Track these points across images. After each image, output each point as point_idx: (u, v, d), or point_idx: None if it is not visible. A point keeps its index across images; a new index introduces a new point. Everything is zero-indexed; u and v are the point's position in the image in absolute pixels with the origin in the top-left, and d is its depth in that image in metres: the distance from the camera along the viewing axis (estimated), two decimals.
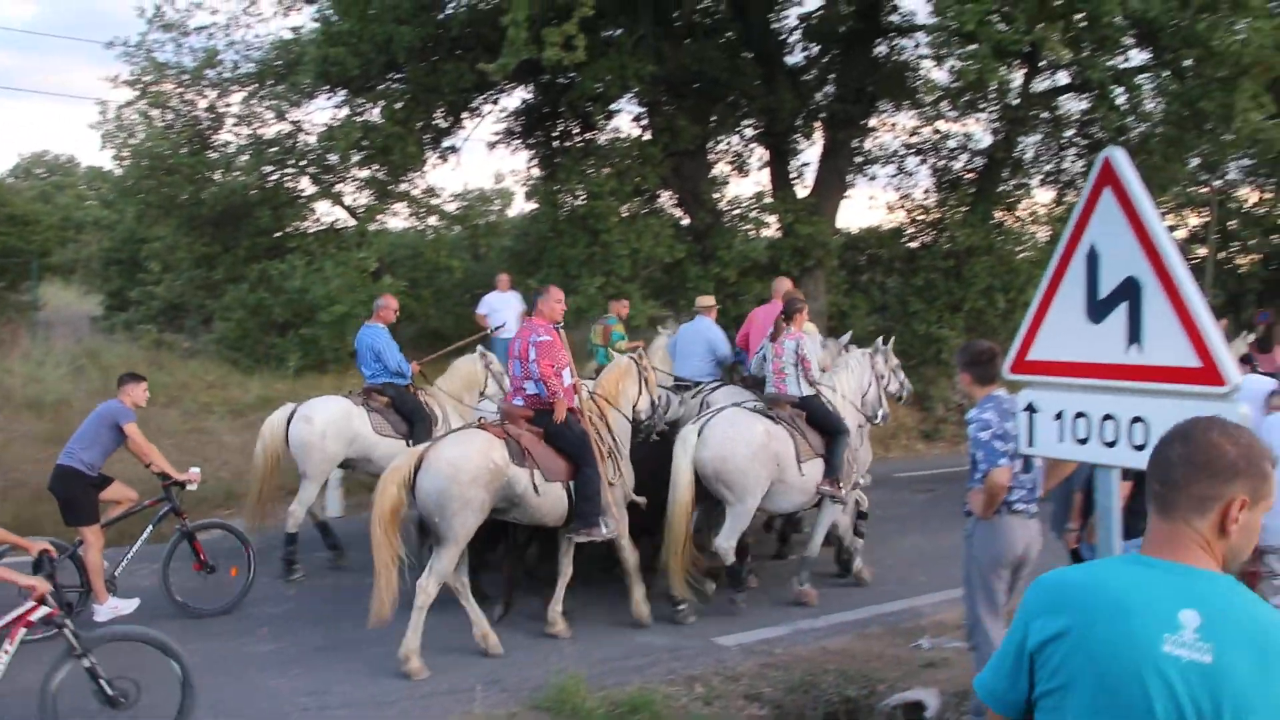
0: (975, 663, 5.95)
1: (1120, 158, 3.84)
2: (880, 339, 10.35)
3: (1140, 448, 3.78)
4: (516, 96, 20.93)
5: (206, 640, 7.95)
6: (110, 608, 8.34)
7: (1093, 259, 3.91)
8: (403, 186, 20.15)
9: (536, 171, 20.97)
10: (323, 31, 17.58)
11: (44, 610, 5.68)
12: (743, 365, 11.01)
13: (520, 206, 30.19)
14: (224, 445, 14.22)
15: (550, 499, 7.86)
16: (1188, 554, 2.18)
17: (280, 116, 19.02)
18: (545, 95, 20.34)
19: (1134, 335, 3.76)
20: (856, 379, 9.67)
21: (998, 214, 21.78)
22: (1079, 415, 4.00)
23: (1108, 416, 3.88)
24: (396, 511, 7.37)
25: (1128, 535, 4.17)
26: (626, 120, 22.54)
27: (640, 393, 8.84)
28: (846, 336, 10.85)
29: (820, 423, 9.12)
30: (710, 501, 8.90)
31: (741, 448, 8.57)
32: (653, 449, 8.95)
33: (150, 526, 8.84)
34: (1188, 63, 16.86)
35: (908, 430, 18.38)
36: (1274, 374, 14.81)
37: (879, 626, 8.70)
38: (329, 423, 9.91)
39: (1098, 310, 3.89)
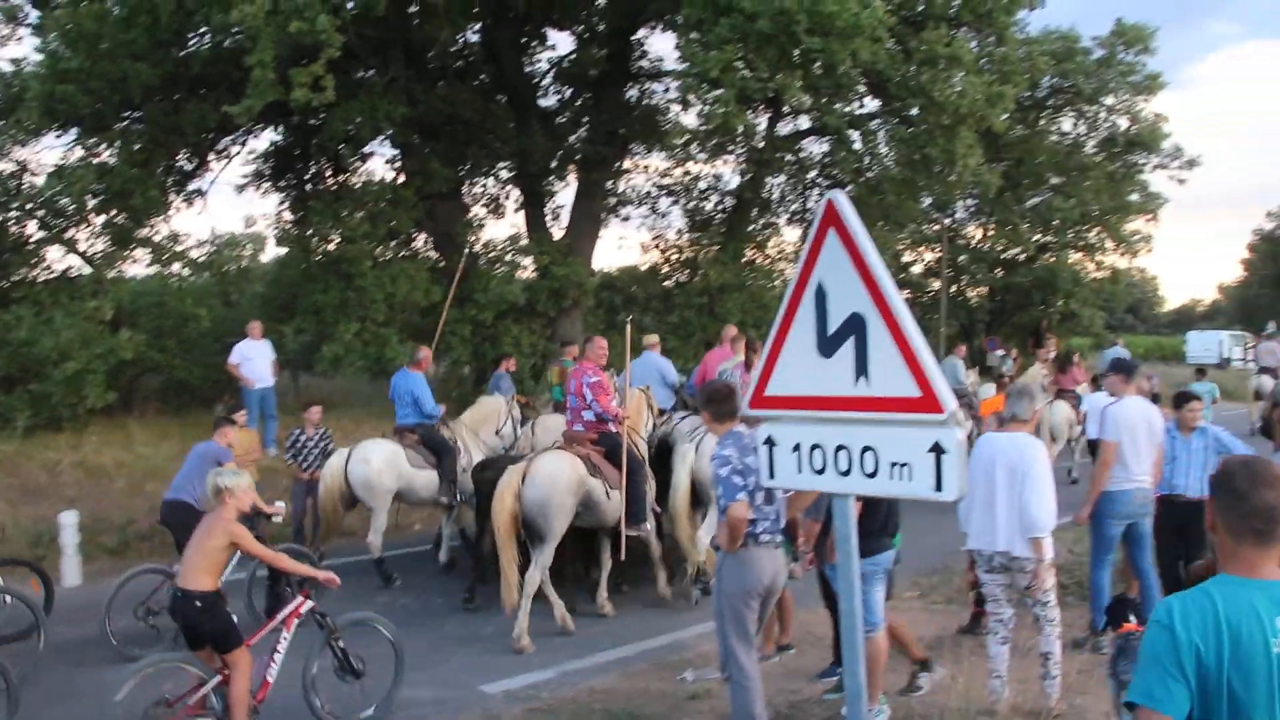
0: (731, 694, 6.03)
1: (842, 200, 4.02)
2: None
3: (871, 475, 3.94)
4: (265, 138, 20.33)
5: None
6: None
7: (821, 296, 4.07)
8: (144, 232, 19.04)
9: (288, 215, 20.34)
10: (47, 65, 16.43)
11: (309, 604, 6.99)
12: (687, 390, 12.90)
13: (273, 251, 29.21)
14: None
15: (614, 503, 9.49)
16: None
17: (1, 155, 17.72)
18: (295, 137, 19.83)
19: (861, 368, 3.93)
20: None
21: (748, 252, 22.63)
22: (815, 447, 4.14)
23: (841, 447, 4.04)
24: (515, 518, 8.92)
25: (860, 555, 4.36)
26: (381, 163, 22.26)
27: (650, 418, 10.96)
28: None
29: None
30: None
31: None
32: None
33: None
34: (914, 111, 18.02)
35: None
36: (1072, 390, 16.95)
37: (644, 663, 8.73)
38: (384, 461, 11.22)
39: (827, 345, 4.04)
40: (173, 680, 6.48)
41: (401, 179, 18.94)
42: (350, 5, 14.45)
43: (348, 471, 11.16)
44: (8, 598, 8.90)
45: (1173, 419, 9.27)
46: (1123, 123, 29.14)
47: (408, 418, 11.94)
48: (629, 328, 10.90)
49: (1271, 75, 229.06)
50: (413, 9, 18.18)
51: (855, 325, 3.93)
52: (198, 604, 6.30)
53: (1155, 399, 9.94)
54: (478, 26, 20.13)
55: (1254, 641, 2.55)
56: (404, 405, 12.00)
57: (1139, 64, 27.79)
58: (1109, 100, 28.44)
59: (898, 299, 3.81)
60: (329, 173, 20.41)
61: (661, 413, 11.81)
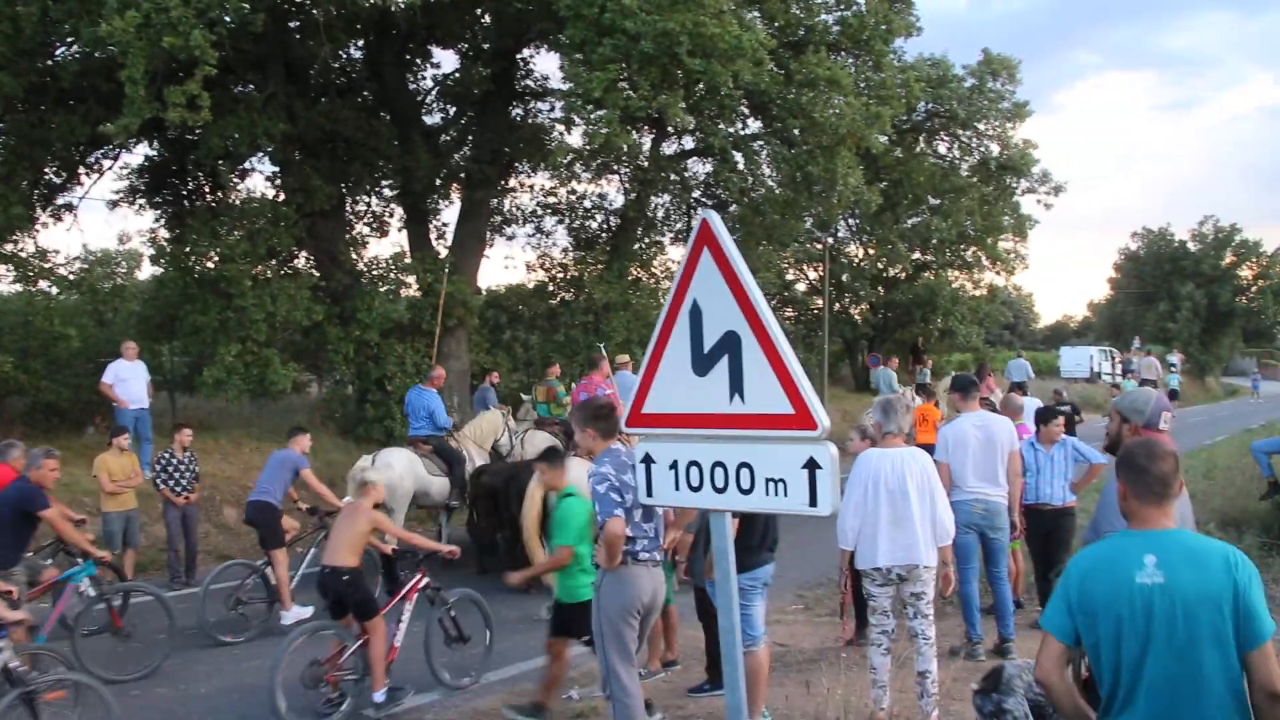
0: (613, 712, 6.02)
1: (715, 219, 4.07)
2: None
3: (747, 491, 3.98)
4: (140, 152, 19.65)
5: None
6: (294, 614, 10.15)
7: (696, 315, 4.10)
8: (7, 248, 18.24)
9: (165, 232, 19.65)
10: None
11: (426, 579, 8.14)
12: None
13: (150, 269, 28.28)
14: None
15: None
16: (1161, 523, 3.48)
17: None
18: (171, 152, 19.25)
19: (736, 386, 3.96)
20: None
21: (633, 271, 22.73)
22: (692, 464, 4.16)
23: (717, 464, 4.07)
24: (539, 516, 8.86)
25: (738, 570, 4.39)
26: (261, 179, 21.76)
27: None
28: None
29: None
30: None
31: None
32: None
33: (313, 549, 11.24)
34: (796, 132, 18.36)
35: None
36: (987, 397, 17.96)
37: (530, 682, 8.66)
38: (404, 466, 12.28)
39: (703, 364, 4.08)
40: (319, 647, 7.69)
41: (282, 196, 18.52)
42: (227, 19, 14.10)
43: None
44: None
45: (1031, 435, 9.70)
46: (994, 147, 30.13)
47: (421, 430, 13.27)
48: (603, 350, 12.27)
49: (1129, 103, 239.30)
50: (293, 24, 17.90)
51: (730, 344, 3.97)
52: (345, 578, 7.52)
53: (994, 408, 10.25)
54: (360, 43, 19.90)
55: (1127, 575, 3.37)
56: (418, 419, 13.36)
57: (1007, 91, 28.81)
58: (981, 125, 29.38)
59: (770, 318, 3.86)
60: (207, 189, 19.84)
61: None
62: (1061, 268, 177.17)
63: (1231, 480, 14.54)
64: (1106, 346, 53.80)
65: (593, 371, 14.50)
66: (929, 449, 8.21)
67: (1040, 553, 9.38)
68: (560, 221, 23.86)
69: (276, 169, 18.99)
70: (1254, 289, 72.59)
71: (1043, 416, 9.72)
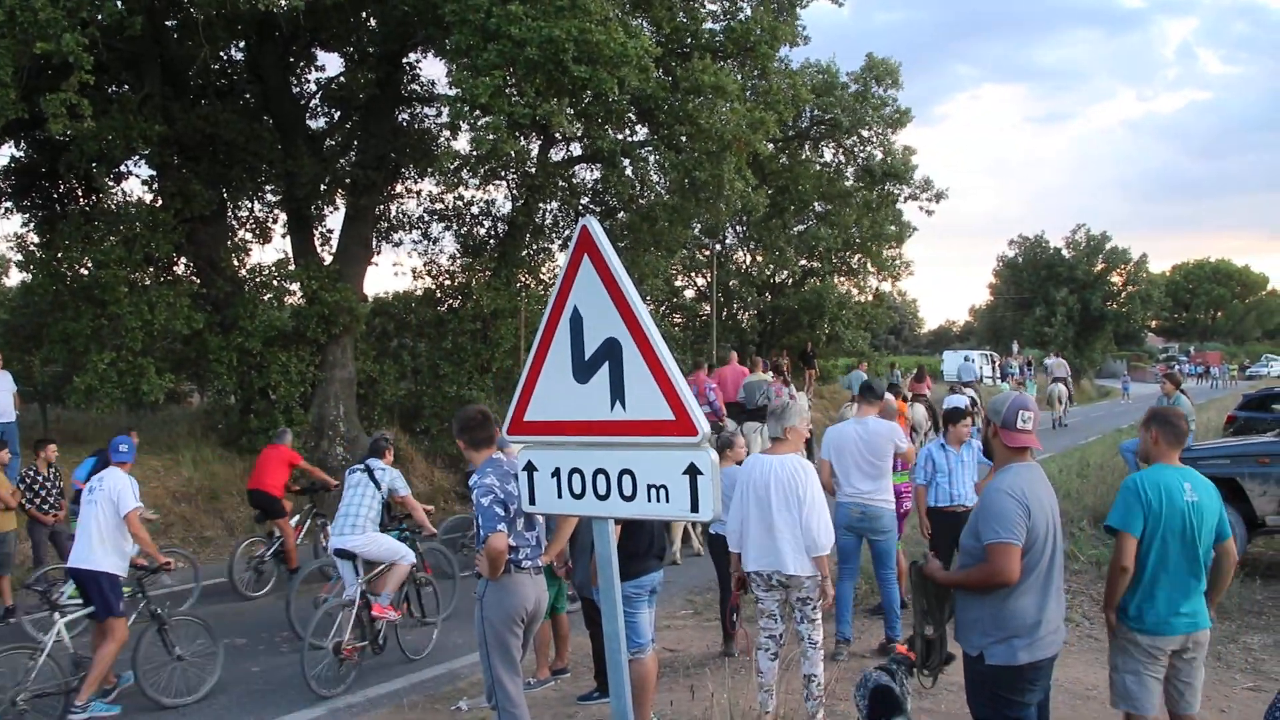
0: None
1: (595, 226, 4.07)
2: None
3: (629, 498, 3.98)
4: (4, 153, 18.89)
5: None
6: None
7: (577, 322, 4.09)
8: None
9: (34, 237, 18.85)
10: None
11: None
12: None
13: (17, 276, 27.17)
14: None
15: None
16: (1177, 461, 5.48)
17: None
18: (40, 153, 18.52)
19: (617, 393, 3.96)
20: None
21: (521, 277, 22.60)
22: (574, 471, 4.15)
23: (599, 471, 4.06)
24: None
25: (624, 577, 4.39)
26: (137, 183, 21.03)
27: None
28: None
29: None
30: None
31: None
32: None
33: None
34: (683, 138, 18.48)
35: (444, 492, 18.48)
36: (925, 395, 21.08)
37: (418, 695, 8.57)
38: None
39: (584, 371, 4.07)
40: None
41: (159, 201, 17.93)
42: (100, 18, 13.64)
43: None
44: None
45: (939, 438, 9.84)
46: (877, 154, 30.77)
47: None
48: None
49: (1004, 115, 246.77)
50: (170, 23, 17.40)
51: (610, 350, 3.97)
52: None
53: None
54: (241, 44, 19.43)
55: (1177, 492, 5.25)
56: None
57: (890, 98, 29.46)
58: (865, 132, 29.98)
59: (651, 324, 3.87)
60: (80, 192, 19.11)
61: None
62: (945, 274, 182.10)
63: (1103, 479, 15.05)
64: (987, 350, 55.18)
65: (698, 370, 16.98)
66: None
67: (948, 556, 9.49)
68: (448, 228, 23.60)
69: (154, 173, 18.39)
70: (1123, 295, 75.42)
71: (951, 417, 9.80)
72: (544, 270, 23.75)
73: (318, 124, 21.17)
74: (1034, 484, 4.66)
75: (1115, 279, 76.13)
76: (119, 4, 13.37)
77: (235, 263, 19.32)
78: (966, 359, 41.55)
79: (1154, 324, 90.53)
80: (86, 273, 16.85)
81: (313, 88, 21.13)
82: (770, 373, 19.26)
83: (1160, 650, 5.26)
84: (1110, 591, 5.35)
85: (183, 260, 19.14)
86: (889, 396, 9.45)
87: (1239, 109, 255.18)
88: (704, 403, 14.58)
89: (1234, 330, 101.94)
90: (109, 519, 8.05)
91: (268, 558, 12.89)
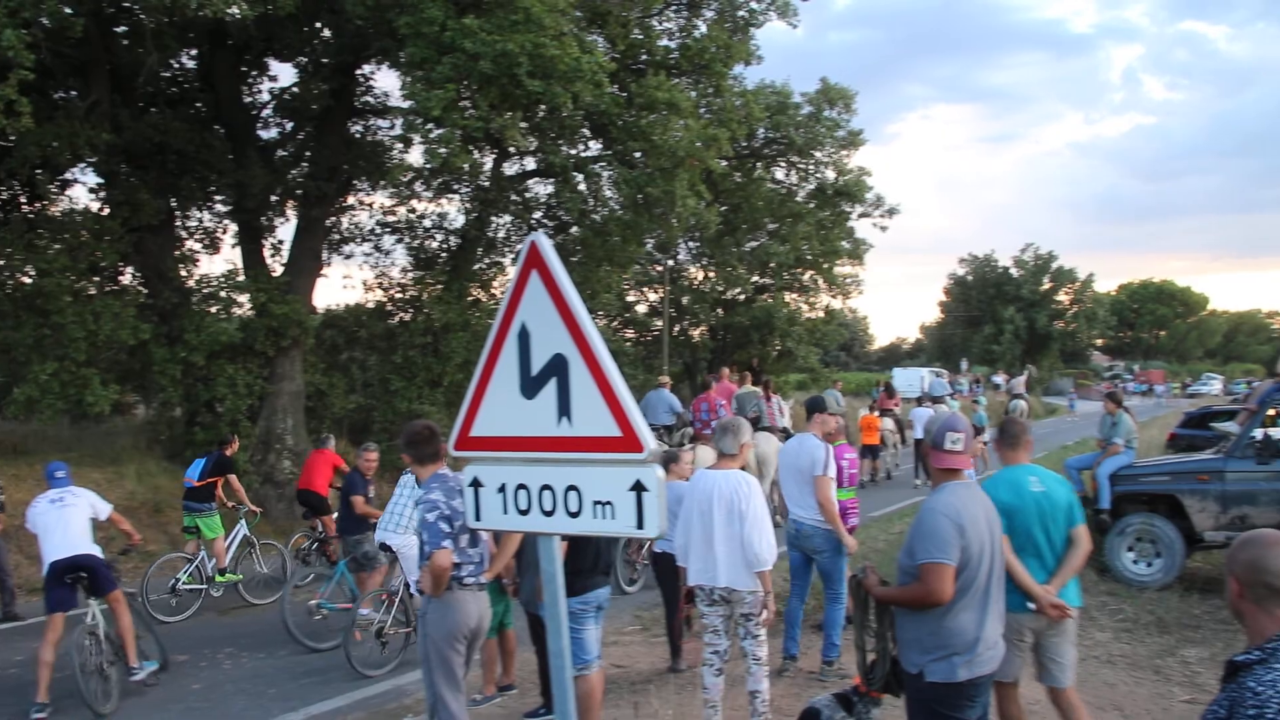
0: None
1: (544, 241, 4.06)
2: None
3: (575, 514, 3.97)
4: None
5: None
6: None
7: (524, 338, 4.08)
8: None
9: None
10: None
11: None
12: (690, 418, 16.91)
13: None
14: None
15: None
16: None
17: None
18: None
19: (564, 409, 3.95)
20: None
21: (473, 291, 22.52)
22: (520, 487, 4.13)
23: (545, 487, 4.05)
24: None
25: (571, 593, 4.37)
26: (85, 191, 20.65)
27: None
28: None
29: None
30: None
31: None
32: None
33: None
34: (637, 154, 18.53)
35: None
36: (893, 410, 24.54)
37: (362, 711, 8.48)
38: None
39: (531, 386, 4.06)
40: None
41: (106, 209, 17.68)
42: (44, 20, 13.43)
43: None
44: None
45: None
46: (830, 174, 31.01)
47: None
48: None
49: (954, 134, 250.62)
50: (119, 29, 17.20)
51: (557, 366, 3.96)
52: None
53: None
54: (193, 52, 19.25)
55: (1024, 485, 5.83)
56: None
57: (843, 120, 29.71)
58: (818, 153, 30.22)
59: (598, 341, 3.86)
60: (23, 199, 18.77)
61: (667, 429, 17.28)
62: (896, 291, 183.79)
63: None
64: (937, 367, 55.74)
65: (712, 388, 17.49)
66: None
67: None
68: (399, 241, 23.49)
69: (101, 180, 18.14)
70: (1070, 313, 76.54)
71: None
72: (496, 284, 23.69)
73: (270, 134, 21.03)
74: (969, 503, 4.68)
75: (1063, 298, 77.30)
76: (63, 5, 13.14)
77: (183, 273, 19.11)
78: (936, 374, 44.57)
79: (1100, 342, 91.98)
80: (29, 281, 16.57)
81: (265, 98, 20.97)
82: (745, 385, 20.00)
83: (1021, 625, 5.74)
84: None
85: (129, 270, 18.91)
86: (825, 415, 9.30)
87: (1181, 134, 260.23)
88: (715, 417, 15.61)
89: (1176, 349, 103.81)
90: (84, 519, 8.94)
91: (312, 551, 13.53)
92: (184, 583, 12.33)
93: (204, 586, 12.45)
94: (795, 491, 8.54)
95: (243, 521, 13.38)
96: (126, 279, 19.03)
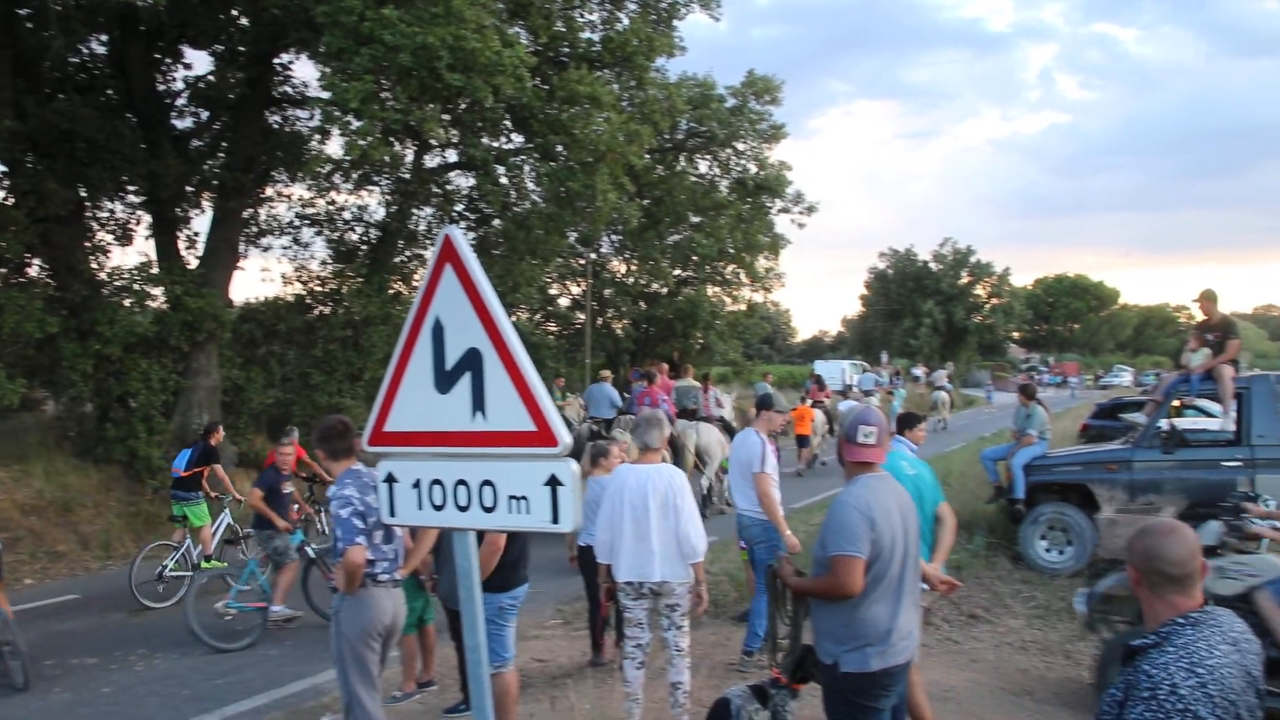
0: None
1: (458, 235, 4.04)
2: None
3: (490, 509, 3.96)
4: None
5: None
6: None
7: (438, 332, 4.05)
8: None
9: None
10: None
11: None
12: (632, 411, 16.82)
13: None
14: None
15: None
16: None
17: None
18: None
19: (478, 403, 3.93)
20: None
21: (394, 284, 22.30)
22: (435, 482, 4.10)
23: (460, 482, 4.02)
24: None
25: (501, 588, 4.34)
26: None
27: None
28: None
29: None
30: None
31: None
32: None
33: None
34: (559, 148, 18.47)
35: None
36: (823, 401, 24.99)
37: (279, 711, 8.37)
38: None
39: (445, 381, 4.03)
40: None
41: (11, 199, 17.15)
42: None
43: None
44: None
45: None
46: (752, 167, 31.17)
47: None
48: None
49: (876, 130, 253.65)
50: (23, 12, 16.69)
51: (472, 361, 3.94)
52: None
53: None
54: (104, 38, 18.76)
55: (900, 469, 6.14)
56: None
57: (766, 113, 29.89)
58: (740, 146, 30.35)
59: (513, 335, 3.85)
60: None
61: (608, 423, 17.54)
62: (819, 285, 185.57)
63: (965, 485, 15.50)
64: (858, 360, 56.42)
65: (652, 384, 17.50)
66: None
67: None
68: (319, 233, 23.17)
69: (4, 169, 17.59)
70: (988, 307, 77.90)
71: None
72: (417, 277, 23.47)
73: (184, 123, 20.54)
74: (880, 495, 4.72)
75: (980, 291, 78.62)
76: None
77: (94, 265, 18.63)
78: (865, 369, 46.40)
79: (1017, 335, 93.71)
80: None
81: (180, 86, 20.49)
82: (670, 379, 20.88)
83: None
84: None
85: (36, 261, 18.35)
86: (772, 413, 9.46)
87: (1095, 132, 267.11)
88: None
89: (1089, 342, 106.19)
90: None
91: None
92: (170, 570, 12.37)
93: (190, 574, 12.32)
94: (739, 483, 8.69)
95: (226, 511, 13.39)
96: (34, 271, 18.47)
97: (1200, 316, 12.18)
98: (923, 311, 74.32)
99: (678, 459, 16.92)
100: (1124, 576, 7.87)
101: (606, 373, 20.80)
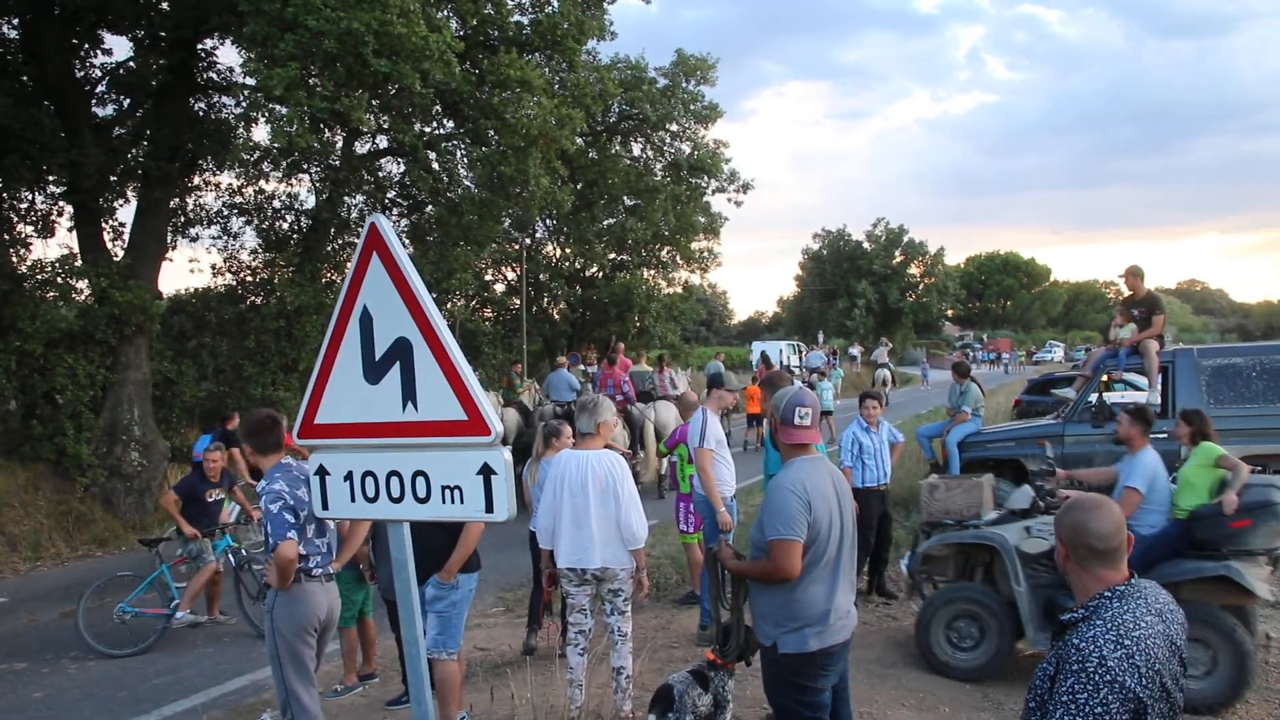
0: None
1: (384, 223, 3.99)
2: None
3: (424, 500, 3.92)
4: None
5: None
6: None
7: (366, 321, 4.00)
8: None
9: None
10: None
11: None
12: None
13: None
14: None
15: None
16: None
17: None
18: None
19: (409, 393, 3.89)
20: None
21: (327, 273, 22.02)
22: (367, 474, 4.06)
23: (393, 473, 3.99)
24: None
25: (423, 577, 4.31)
26: None
27: None
28: None
29: None
30: None
31: None
32: None
33: None
34: (490, 133, 18.31)
35: (252, 496, 17.86)
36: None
37: (219, 709, 8.25)
38: None
39: (375, 371, 3.98)
40: None
41: None
42: None
43: None
44: None
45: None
46: (686, 148, 31.17)
47: None
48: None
49: (808, 111, 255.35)
50: None
51: (401, 350, 3.90)
52: None
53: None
54: (15, 21, 18.20)
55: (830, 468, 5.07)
56: None
57: (699, 94, 29.89)
58: (673, 127, 30.34)
59: (442, 324, 3.81)
60: None
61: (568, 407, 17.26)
62: (755, 266, 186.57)
63: (902, 463, 15.65)
64: (795, 341, 56.79)
65: (614, 366, 18.32)
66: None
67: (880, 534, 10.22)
68: (249, 222, 22.77)
69: None
70: (922, 286, 78.77)
71: (862, 400, 10.33)
72: (349, 265, 23.21)
73: (106, 111, 19.99)
74: (816, 477, 4.74)
75: (914, 270, 79.48)
76: None
77: (14, 259, 18.14)
78: (804, 350, 48.49)
79: (950, 313, 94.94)
80: None
81: (99, 73, 19.95)
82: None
83: None
84: None
85: None
86: (722, 391, 9.52)
87: (1023, 112, 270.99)
88: (619, 392, 17.33)
89: (1022, 318, 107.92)
90: None
91: None
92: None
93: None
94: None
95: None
96: None
97: (1127, 292, 12.40)
98: (857, 292, 75.02)
99: (638, 440, 17.40)
100: (943, 537, 8.17)
101: (564, 359, 21.39)
